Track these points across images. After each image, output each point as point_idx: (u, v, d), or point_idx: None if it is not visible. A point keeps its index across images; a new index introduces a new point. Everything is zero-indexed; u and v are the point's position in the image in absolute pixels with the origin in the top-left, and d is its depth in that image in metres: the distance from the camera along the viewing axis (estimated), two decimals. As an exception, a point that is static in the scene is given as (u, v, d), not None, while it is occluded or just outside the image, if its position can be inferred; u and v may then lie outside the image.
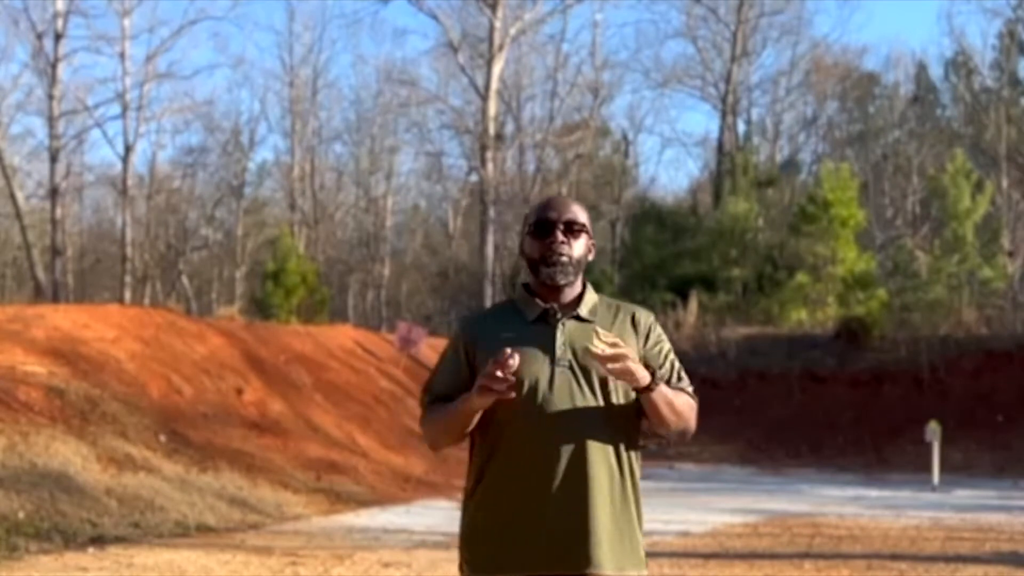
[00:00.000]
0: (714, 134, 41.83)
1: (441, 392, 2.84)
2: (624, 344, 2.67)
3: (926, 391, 23.75)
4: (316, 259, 37.74)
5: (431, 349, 24.64)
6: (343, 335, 23.88)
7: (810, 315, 29.80)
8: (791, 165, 42.22)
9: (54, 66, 34.48)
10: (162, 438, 12.95)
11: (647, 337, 2.84)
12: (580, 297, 2.82)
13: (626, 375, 2.64)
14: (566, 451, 2.68)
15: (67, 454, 11.03)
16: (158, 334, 16.56)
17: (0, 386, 11.81)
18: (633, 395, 2.75)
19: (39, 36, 34.75)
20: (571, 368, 2.72)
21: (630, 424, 2.78)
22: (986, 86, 41.12)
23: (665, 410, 2.73)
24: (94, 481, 10.80)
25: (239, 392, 16.24)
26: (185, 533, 10.21)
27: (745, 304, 31.24)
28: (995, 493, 17.15)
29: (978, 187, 31.93)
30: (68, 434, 11.53)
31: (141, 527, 10.08)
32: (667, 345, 2.89)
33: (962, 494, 16.80)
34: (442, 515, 12.45)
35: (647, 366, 2.73)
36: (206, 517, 11.00)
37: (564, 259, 2.77)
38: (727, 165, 36.91)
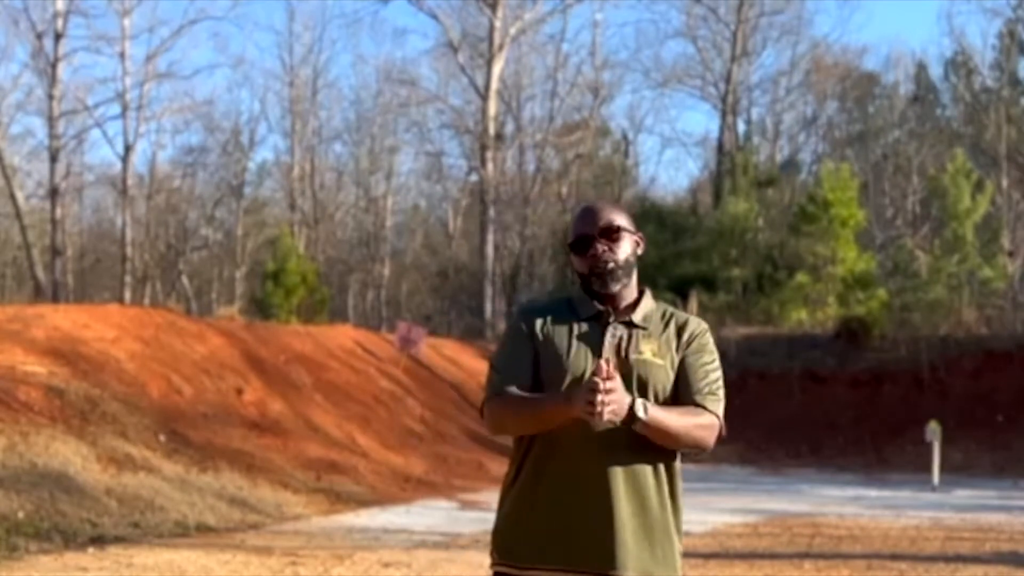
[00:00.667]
0: (714, 134, 41.86)
1: (514, 374, 2.80)
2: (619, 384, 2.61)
3: (926, 391, 23.75)
4: (316, 259, 37.74)
5: (431, 349, 24.65)
6: (343, 335, 23.88)
7: (810, 315, 29.80)
8: (791, 165, 42.21)
9: (54, 66, 34.51)
10: (162, 438, 12.95)
11: (689, 344, 2.83)
12: (636, 304, 2.84)
13: (616, 411, 2.60)
14: (602, 452, 2.70)
15: (67, 454, 11.03)
16: (158, 334, 16.56)
17: (0, 386, 11.81)
18: (676, 400, 2.78)
19: (39, 36, 34.80)
20: (615, 372, 2.71)
21: None
22: (986, 86, 41.13)
23: (657, 437, 2.71)
24: (94, 481, 10.80)
25: (239, 392, 16.24)
26: (185, 533, 10.21)
27: (745, 304, 31.23)
28: (995, 493, 17.15)
29: (978, 187, 31.93)
30: (68, 434, 11.53)
31: (141, 527, 10.08)
32: (708, 356, 2.84)
33: (962, 494, 16.80)
34: (442, 515, 12.46)
35: (638, 387, 2.73)
36: (206, 517, 11.00)
37: (611, 266, 2.80)
38: (727, 165, 36.90)
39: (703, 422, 2.79)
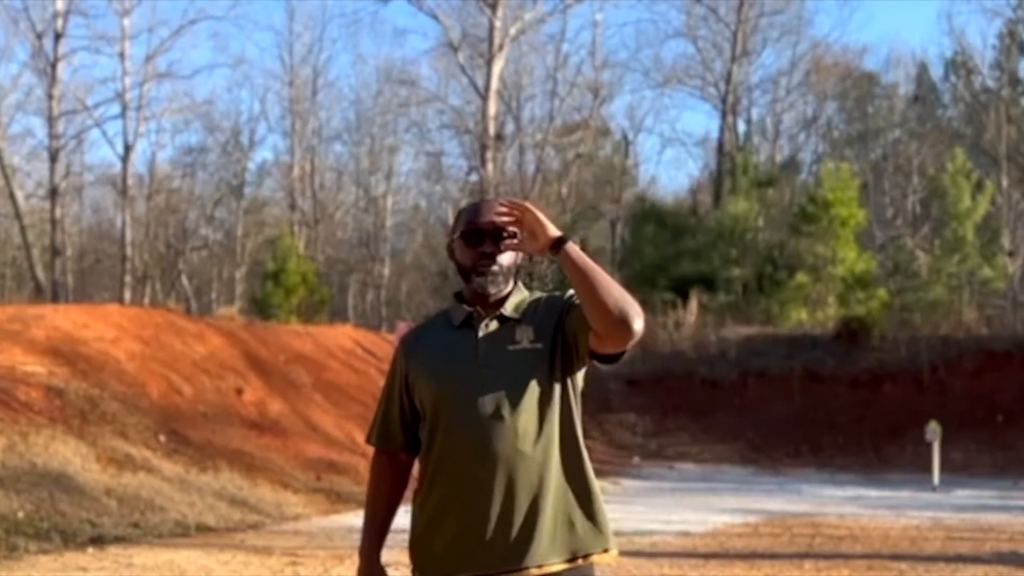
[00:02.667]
0: (714, 134, 41.87)
1: (387, 437, 2.90)
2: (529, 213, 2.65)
3: (926, 391, 23.75)
4: (316, 259, 37.73)
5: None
6: (343, 335, 23.88)
7: (810, 315, 29.80)
8: (791, 165, 42.21)
9: (54, 66, 34.51)
10: (162, 438, 12.95)
11: (567, 305, 2.76)
12: (506, 297, 2.81)
13: (535, 226, 2.62)
14: (496, 449, 2.67)
15: (67, 454, 11.03)
16: (158, 334, 16.56)
17: (0, 386, 11.80)
18: (563, 384, 2.73)
19: (39, 36, 34.79)
20: (494, 369, 2.71)
21: (563, 408, 2.75)
22: (986, 86, 41.13)
23: (591, 273, 2.60)
24: (94, 481, 10.80)
25: (239, 392, 16.24)
26: (185, 533, 10.21)
27: (745, 304, 31.23)
28: (995, 493, 17.15)
29: (978, 187, 31.95)
30: (68, 434, 11.53)
31: (141, 527, 10.08)
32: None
33: (962, 494, 16.80)
34: (442, 515, 12.43)
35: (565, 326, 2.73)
36: (206, 517, 11.00)
37: (495, 268, 2.77)
38: (727, 165, 36.91)
39: (623, 290, 2.66)
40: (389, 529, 2.93)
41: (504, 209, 2.65)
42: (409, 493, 2.92)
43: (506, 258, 2.79)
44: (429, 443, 2.78)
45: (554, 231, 2.64)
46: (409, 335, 2.95)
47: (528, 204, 2.64)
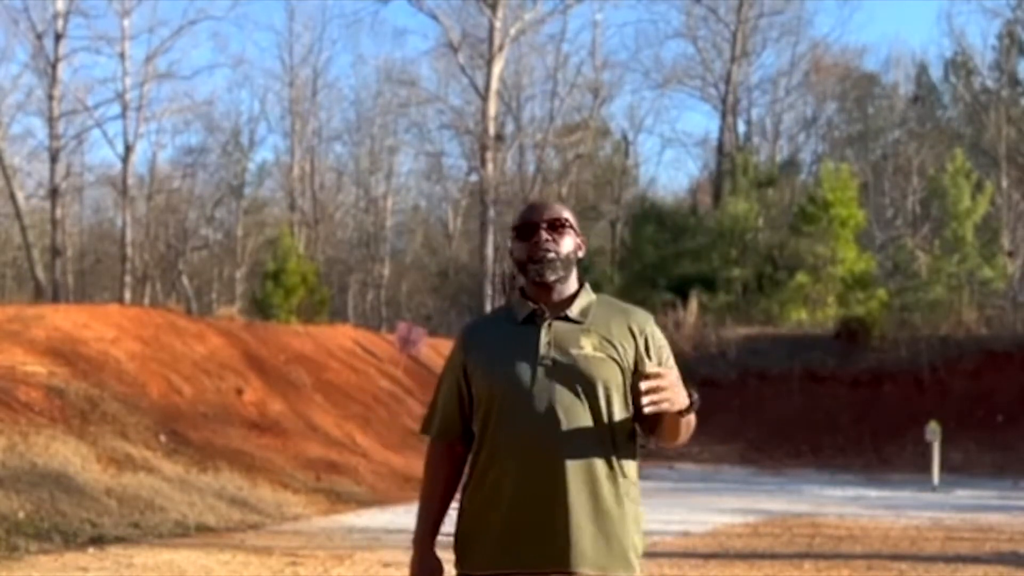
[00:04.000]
0: (714, 134, 41.88)
1: (444, 428, 2.89)
2: (664, 371, 2.67)
3: (926, 391, 23.74)
4: (316, 259, 37.74)
5: (431, 349, 24.64)
6: (343, 335, 23.88)
7: (810, 315, 29.80)
8: (791, 165, 42.21)
9: (54, 66, 34.50)
10: (162, 438, 12.95)
11: (646, 344, 2.81)
12: (573, 298, 2.81)
13: (675, 397, 2.63)
14: (546, 450, 2.68)
15: (67, 454, 11.03)
16: (158, 334, 16.56)
17: (0, 386, 11.81)
18: (621, 395, 2.75)
19: (39, 36, 34.78)
20: (554, 369, 2.71)
21: (619, 423, 2.75)
22: (986, 86, 41.13)
23: (682, 428, 2.75)
24: (94, 481, 10.80)
25: (239, 392, 16.24)
26: (185, 533, 10.21)
27: (745, 304, 31.23)
28: (995, 493, 17.15)
29: (978, 187, 31.94)
30: (68, 434, 11.53)
31: (141, 527, 10.08)
32: (666, 352, 2.86)
33: (962, 494, 16.80)
34: (442, 515, 12.42)
35: (624, 389, 2.75)
36: (206, 517, 11.00)
37: (551, 255, 2.77)
38: (727, 165, 36.91)
39: (691, 420, 2.82)
40: (443, 520, 2.92)
41: (652, 378, 2.61)
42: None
43: (564, 246, 2.79)
44: (481, 437, 2.77)
45: (684, 403, 2.68)
46: (468, 327, 2.96)
47: (668, 380, 2.62)
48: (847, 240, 30.18)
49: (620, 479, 2.74)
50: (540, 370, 2.72)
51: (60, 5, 34.45)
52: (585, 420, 2.70)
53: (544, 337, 2.75)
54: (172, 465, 12.27)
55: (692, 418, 2.78)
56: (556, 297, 2.80)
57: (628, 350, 2.77)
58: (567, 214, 2.84)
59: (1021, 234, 37.55)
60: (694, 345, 26.91)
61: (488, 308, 34.69)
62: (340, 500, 13.31)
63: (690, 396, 2.68)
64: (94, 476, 10.92)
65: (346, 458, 15.76)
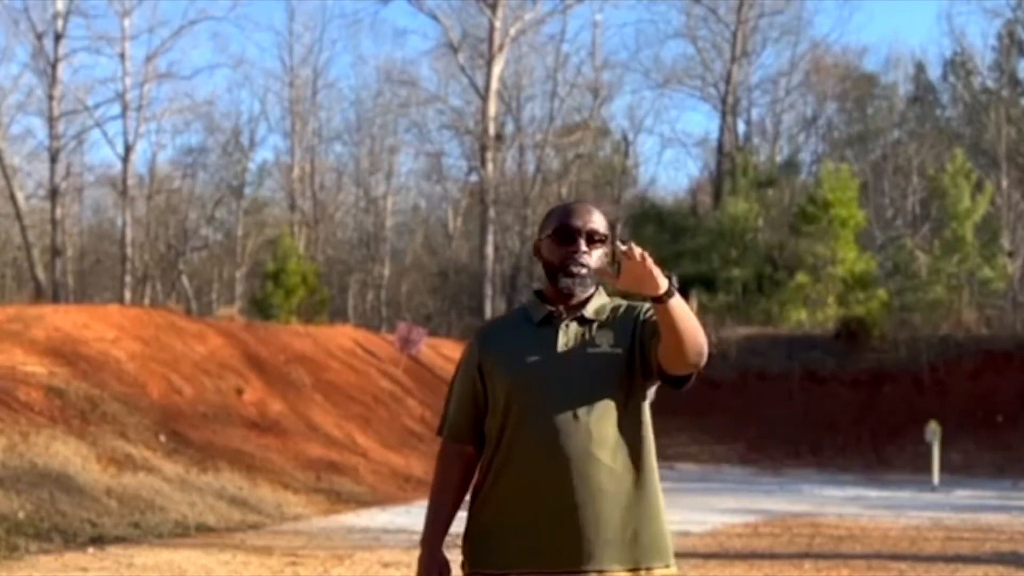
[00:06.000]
0: (714, 134, 41.84)
1: (458, 429, 2.88)
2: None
3: (926, 391, 23.75)
4: (316, 259, 37.73)
5: (431, 349, 24.64)
6: (343, 335, 23.88)
7: (810, 315, 29.81)
8: (791, 165, 42.22)
9: (54, 66, 34.51)
10: (162, 438, 12.95)
11: (642, 314, 2.81)
12: (588, 300, 2.82)
13: (648, 279, 2.61)
14: (568, 449, 2.68)
15: (67, 454, 11.03)
16: (158, 334, 16.56)
17: (0, 386, 11.81)
18: (637, 388, 2.75)
19: (39, 36, 34.79)
20: (571, 368, 2.72)
21: (638, 418, 2.78)
22: (986, 86, 41.13)
23: (685, 321, 2.66)
24: (94, 481, 10.80)
25: (239, 392, 16.24)
26: (185, 533, 10.21)
27: (745, 304, 31.23)
28: (995, 493, 17.15)
29: (978, 187, 31.94)
30: (68, 434, 11.53)
31: (141, 527, 10.08)
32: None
33: (962, 494, 16.80)
34: (442, 515, 12.42)
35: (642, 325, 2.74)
36: (206, 517, 11.00)
37: (584, 271, 2.79)
38: (727, 165, 36.91)
39: (700, 326, 2.76)
40: (453, 522, 2.91)
41: (628, 249, 2.60)
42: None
43: (595, 260, 2.80)
44: (498, 437, 2.77)
45: (663, 284, 2.63)
46: (483, 329, 2.97)
47: (646, 254, 2.61)
48: (847, 240, 30.18)
49: (642, 473, 2.76)
50: (558, 369, 2.72)
51: (60, 5, 34.46)
52: (606, 417, 2.71)
53: (562, 337, 2.76)
54: (172, 465, 12.27)
55: (696, 322, 2.71)
56: (574, 301, 2.82)
57: (635, 330, 2.78)
58: (604, 227, 2.85)
59: (1021, 234, 37.55)
60: (694, 345, 26.87)
61: (488, 308, 34.73)
62: (340, 500, 13.31)
63: (667, 277, 2.65)
64: (94, 476, 10.92)
65: (346, 458, 15.76)
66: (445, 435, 2.91)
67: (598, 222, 2.84)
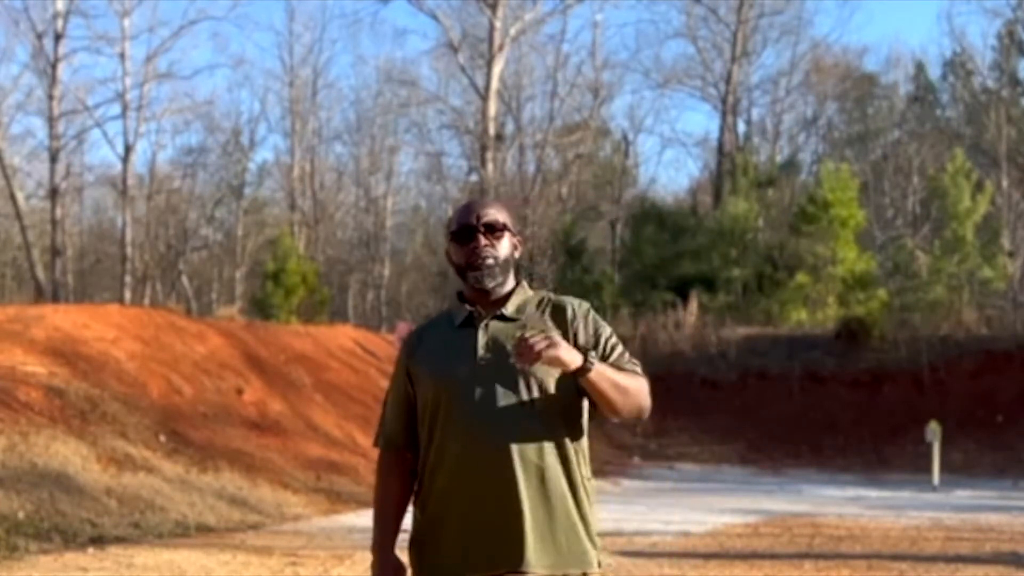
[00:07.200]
0: (714, 134, 41.86)
1: (394, 436, 2.89)
2: (547, 331, 2.67)
3: (926, 391, 23.74)
4: (316, 259, 37.73)
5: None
6: (343, 335, 23.88)
7: (810, 315, 29.80)
8: (791, 165, 42.22)
9: (54, 66, 34.50)
10: (162, 438, 12.95)
11: (579, 328, 2.79)
12: (508, 296, 2.82)
13: (555, 363, 2.61)
14: (493, 451, 2.67)
15: (67, 454, 11.02)
16: (158, 334, 16.56)
17: (0, 386, 11.81)
18: (565, 387, 2.72)
19: (39, 36, 34.78)
20: (494, 368, 2.71)
21: (566, 417, 2.74)
22: (986, 86, 41.13)
23: (610, 391, 2.68)
24: (94, 481, 10.80)
25: (239, 392, 16.24)
26: (185, 533, 10.21)
27: (745, 304, 31.23)
28: (995, 493, 17.15)
29: (978, 187, 31.94)
30: (68, 434, 11.53)
31: (141, 527, 10.08)
32: (606, 331, 2.83)
33: (962, 494, 16.80)
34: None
35: (579, 348, 2.71)
36: (206, 517, 11.00)
37: (490, 261, 2.78)
38: (727, 165, 36.91)
39: (640, 383, 2.78)
40: (400, 525, 2.91)
41: (524, 353, 2.59)
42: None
43: (501, 251, 2.80)
44: (428, 442, 2.77)
45: (574, 362, 2.62)
46: (412, 335, 2.96)
47: (546, 345, 2.58)
48: (847, 240, 30.18)
49: (573, 473, 2.73)
50: (479, 371, 2.71)
51: (60, 5, 34.45)
52: (529, 417, 2.69)
53: (482, 338, 2.75)
54: (172, 465, 12.26)
55: (631, 383, 2.73)
56: (493, 298, 2.81)
57: (567, 339, 2.75)
58: (503, 217, 2.83)
59: (1021, 234, 37.55)
60: (694, 345, 26.92)
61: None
62: (340, 500, 13.31)
63: (584, 356, 2.64)
64: (94, 476, 10.92)
65: (346, 458, 15.76)
66: (382, 445, 2.92)
67: (493, 214, 2.83)
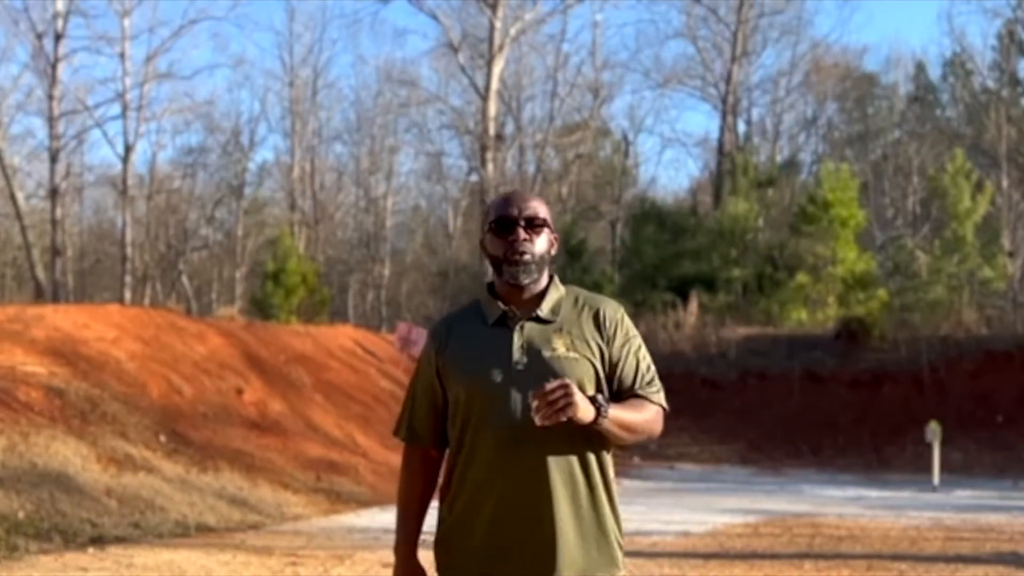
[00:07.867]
0: (714, 134, 41.87)
1: (420, 432, 2.85)
2: (568, 377, 2.62)
3: (926, 391, 23.75)
4: (316, 259, 37.74)
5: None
6: (343, 335, 23.88)
7: (810, 315, 29.81)
8: (791, 165, 42.23)
9: (54, 66, 34.52)
10: (162, 438, 12.95)
11: (614, 335, 2.78)
12: (542, 295, 2.78)
13: (570, 419, 2.57)
14: (524, 457, 2.65)
15: (67, 454, 11.02)
16: (158, 334, 16.56)
17: (0, 386, 11.81)
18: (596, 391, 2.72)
19: (39, 36, 34.81)
20: (528, 372, 2.68)
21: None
22: (986, 86, 41.14)
23: (618, 434, 2.68)
24: (94, 481, 10.80)
25: (239, 392, 16.24)
26: (185, 533, 10.21)
27: (745, 304, 31.23)
28: (995, 493, 17.15)
29: (978, 187, 31.95)
30: (68, 434, 11.53)
31: (141, 527, 10.07)
32: (636, 342, 2.82)
33: (962, 494, 16.80)
34: (442, 515, 12.41)
35: (598, 387, 2.70)
36: (206, 517, 11.00)
37: (527, 257, 2.73)
38: (727, 165, 36.91)
39: (651, 416, 2.77)
40: (423, 525, 2.89)
41: (545, 414, 2.54)
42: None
43: (539, 246, 2.75)
44: (459, 441, 2.74)
45: (587, 416, 2.59)
46: (440, 324, 2.89)
47: (564, 405, 2.53)
48: (847, 240, 30.18)
49: (601, 478, 2.73)
50: (514, 374, 2.68)
51: (60, 5, 34.47)
52: (564, 424, 2.63)
53: (517, 341, 2.71)
54: (172, 465, 12.26)
55: (642, 420, 2.74)
56: (527, 295, 2.76)
57: (600, 345, 2.75)
58: (544, 211, 2.79)
59: (1021, 234, 37.56)
60: (694, 345, 26.92)
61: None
62: (340, 500, 13.30)
63: (596, 404, 2.61)
64: (94, 476, 10.92)
65: (346, 458, 15.75)
66: (405, 437, 2.87)
67: (534, 207, 2.77)
